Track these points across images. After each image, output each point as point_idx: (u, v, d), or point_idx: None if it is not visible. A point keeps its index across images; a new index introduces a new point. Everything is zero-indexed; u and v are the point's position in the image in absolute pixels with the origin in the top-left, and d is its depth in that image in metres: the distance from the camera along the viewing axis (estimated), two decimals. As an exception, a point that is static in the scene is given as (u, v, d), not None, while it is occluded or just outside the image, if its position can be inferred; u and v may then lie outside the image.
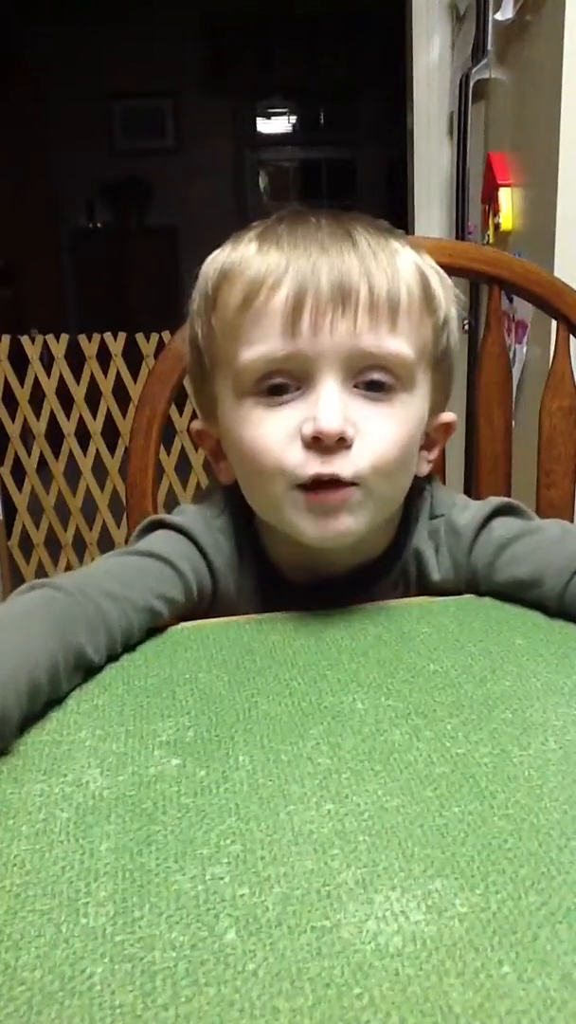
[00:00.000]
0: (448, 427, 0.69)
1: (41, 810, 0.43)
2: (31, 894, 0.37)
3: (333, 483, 0.58)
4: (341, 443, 0.57)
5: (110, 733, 0.50)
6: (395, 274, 0.58)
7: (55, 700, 0.53)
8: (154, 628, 0.62)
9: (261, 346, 0.58)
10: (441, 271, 0.64)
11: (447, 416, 0.68)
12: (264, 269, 0.57)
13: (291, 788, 0.44)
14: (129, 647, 0.59)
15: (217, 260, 0.62)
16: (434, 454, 0.68)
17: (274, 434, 0.58)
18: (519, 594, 0.64)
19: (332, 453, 0.57)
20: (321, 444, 0.56)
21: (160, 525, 0.67)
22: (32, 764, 0.47)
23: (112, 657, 0.58)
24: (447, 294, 0.64)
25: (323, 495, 0.58)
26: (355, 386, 0.58)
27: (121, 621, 0.58)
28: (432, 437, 0.67)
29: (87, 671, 0.56)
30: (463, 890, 0.36)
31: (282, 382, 0.58)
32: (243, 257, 0.59)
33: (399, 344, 0.58)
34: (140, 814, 0.42)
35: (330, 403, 0.56)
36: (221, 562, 0.66)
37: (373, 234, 0.60)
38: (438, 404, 0.66)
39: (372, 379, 0.59)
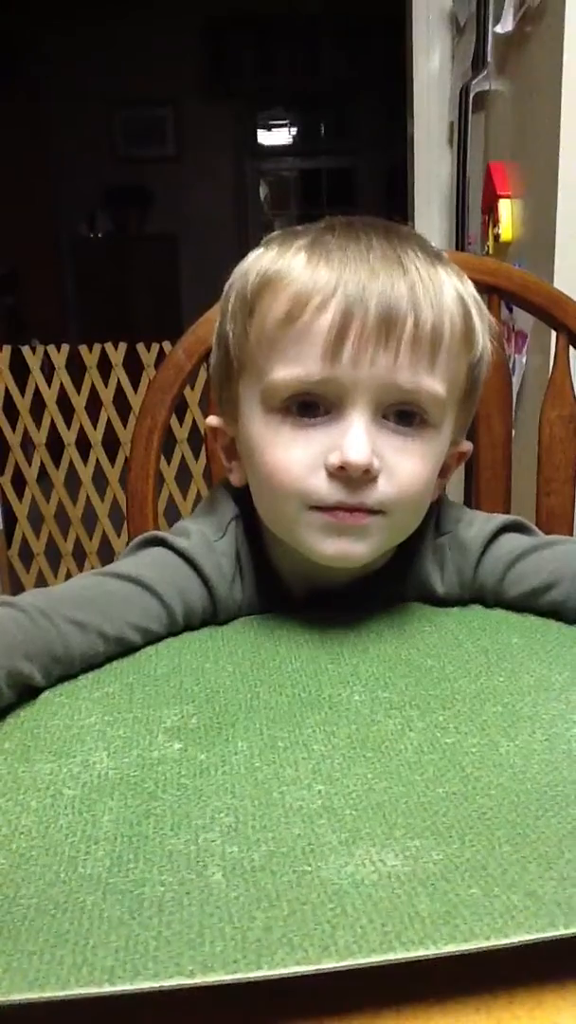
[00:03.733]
0: (463, 455, 0.69)
1: (49, 787, 0.45)
2: (35, 854, 0.40)
3: (357, 508, 0.58)
4: (366, 475, 0.57)
5: (118, 719, 0.52)
6: (441, 308, 0.58)
7: (66, 688, 0.56)
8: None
9: (297, 367, 0.57)
10: (480, 301, 0.64)
11: (465, 445, 0.68)
12: (312, 286, 0.56)
13: (285, 771, 0.46)
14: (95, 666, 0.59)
15: (260, 263, 0.60)
16: (446, 479, 0.69)
17: (298, 459, 0.58)
18: (532, 604, 0.65)
19: (358, 485, 0.57)
20: (346, 475, 0.56)
21: (160, 543, 0.66)
22: (43, 746, 0.50)
23: (68, 678, 0.57)
24: (484, 327, 0.63)
25: (345, 516, 0.58)
26: (384, 417, 0.58)
27: (83, 648, 0.57)
28: (447, 464, 0.67)
29: (33, 691, 0.55)
30: (440, 844, 0.38)
31: (312, 401, 0.58)
32: (289, 266, 0.58)
33: (435, 383, 0.58)
34: (141, 792, 0.45)
35: (358, 435, 0.56)
36: (224, 586, 0.65)
37: (423, 260, 0.58)
38: (458, 434, 0.66)
39: (402, 411, 0.58)
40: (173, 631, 0.64)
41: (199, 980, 0.30)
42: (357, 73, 5.40)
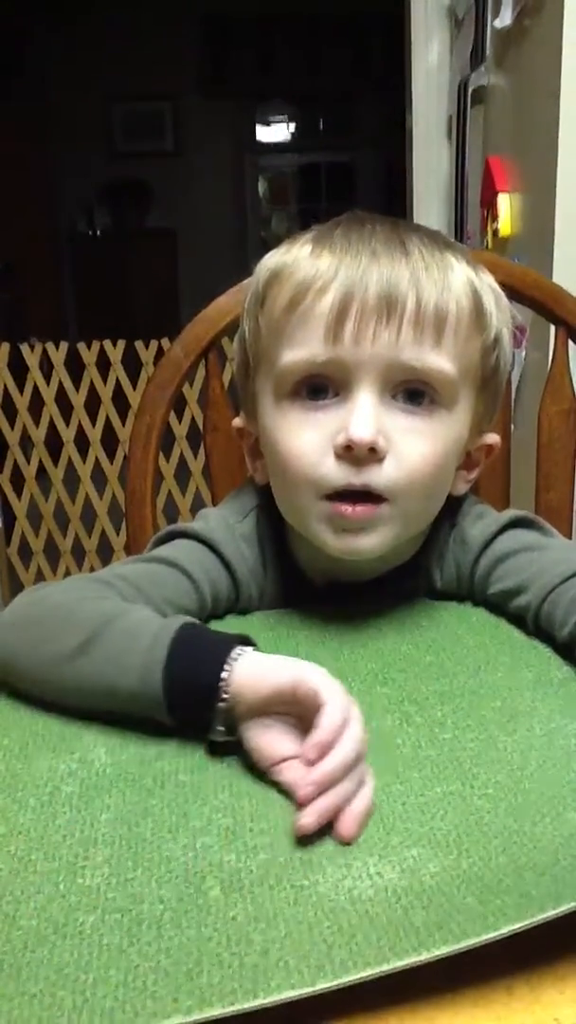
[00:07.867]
0: (491, 448, 0.67)
1: (48, 784, 0.46)
2: (34, 858, 0.40)
3: (363, 496, 0.57)
4: (372, 454, 0.56)
5: (116, 715, 0.52)
6: (445, 288, 0.58)
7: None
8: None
9: (302, 350, 0.58)
10: (499, 290, 0.63)
11: (491, 437, 0.67)
12: (313, 272, 0.57)
13: (284, 768, 0.46)
14: None
15: (271, 259, 0.62)
16: (474, 474, 0.67)
17: (309, 443, 0.58)
18: (503, 605, 0.64)
19: (363, 464, 0.56)
20: (352, 454, 0.56)
21: (180, 534, 0.66)
22: (42, 743, 0.50)
23: None
24: (501, 314, 0.62)
25: (350, 511, 0.57)
26: (393, 397, 0.58)
27: None
28: (474, 457, 0.66)
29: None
30: (437, 856, 0.38)
31: (321, 384, 0.58)
32: (295, 258, 0.59)
33: (441, 360, 0.58)
34: (140, 789, 0.45)
35: (363, 413, 0.56)
36: (244, 570, 0.66)
37: (428, 245, 0.59)
38: (482, 424, 0.65)
39: (411, 390, 0.58)
40: (203, 611, 0.64)
41: (196, 1017, 0.30)
42: (356, 67, 5.32)
